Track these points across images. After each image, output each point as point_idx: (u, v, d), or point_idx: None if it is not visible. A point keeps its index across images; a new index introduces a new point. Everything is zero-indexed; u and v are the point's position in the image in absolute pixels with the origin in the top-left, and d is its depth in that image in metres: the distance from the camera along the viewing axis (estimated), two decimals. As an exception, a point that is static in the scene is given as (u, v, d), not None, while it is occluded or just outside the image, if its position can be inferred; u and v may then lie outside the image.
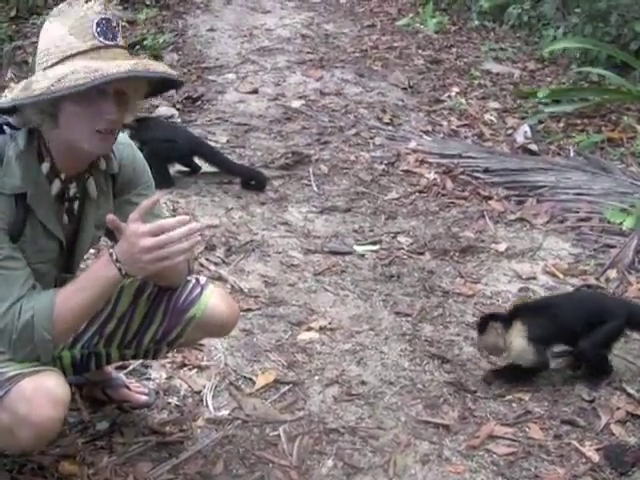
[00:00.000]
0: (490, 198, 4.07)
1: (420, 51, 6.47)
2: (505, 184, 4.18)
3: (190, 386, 2.56)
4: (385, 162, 4.45)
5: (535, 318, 2.62)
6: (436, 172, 4.31)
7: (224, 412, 2.45)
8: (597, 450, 2.34)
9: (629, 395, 2.59)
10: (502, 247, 3.57)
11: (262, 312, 3.00)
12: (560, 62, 6.22)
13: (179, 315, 2.11)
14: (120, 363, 2.49)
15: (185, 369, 2.64)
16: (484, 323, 2.65)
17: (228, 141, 4.65)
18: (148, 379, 2.58)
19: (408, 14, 7.47)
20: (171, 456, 2.25)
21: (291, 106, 5.22)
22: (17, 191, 1.80)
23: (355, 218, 3.83)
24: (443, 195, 4.10)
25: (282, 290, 3.16)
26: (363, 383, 2.62)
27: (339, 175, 4.28)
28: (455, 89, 5.65)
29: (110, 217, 1.81)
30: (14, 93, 1.72)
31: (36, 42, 1.82)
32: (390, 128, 4.92)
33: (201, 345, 2.70)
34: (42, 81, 1.69)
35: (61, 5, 1.78)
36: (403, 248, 3.55)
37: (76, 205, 1.94)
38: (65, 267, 1.99)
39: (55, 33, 1.74)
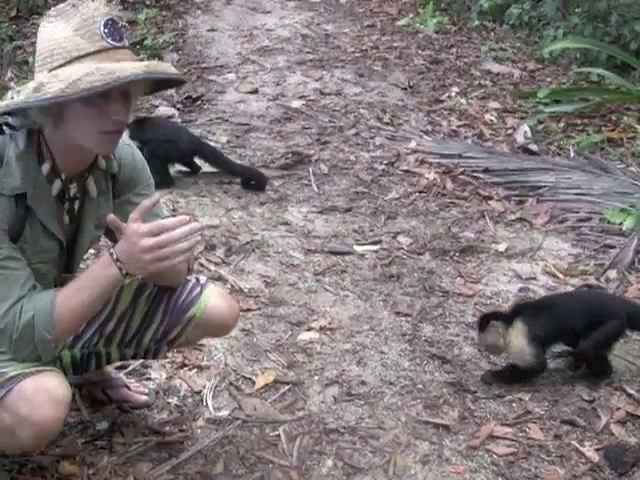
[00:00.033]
0: (490, 198, 4.07)
1: (420, 51, 6.47)
2: (505, 184, 4.18)
3: (190, 386, 2.56)
4: (385, 162, 4.45)
5: (536, 318, 2.62)
6: (436, 172, 4.31)
7: (224, 412, 2.45)
8: (597, 450, 2.35)
9: (629, 395, 2.59)
10: (502, 247, 3.57)
11: (262, 312, 3.00)
12: (560, 62, 6.22)
13: (179, 314, 2.12)
14: (120, 363, 2.49)
15: (185, 369, 2.64)
16: (485, 321, 2.65)
17: (228, 141, 4.65)
18: (148, 379, 2.58)
19: (408, 14, 7.47)
20: (171, 456, 2.25)
21: (291, 106, 5.22)
22: (17, 191, 1.80)
23: (355, 218, 3.83)
24: (443, 195, 4.10)
25: (282, 290, 3.16)
26: (363, 383, 2.62)
27: (339, 175, 4.29)
28: (455, 89, 5.65)
29: (110, 217, 1.81)
30: (25, 95, 1.69)
31: (36, 42, 1.80)
32: (390, 128, 4.92)
33: (201, 345, 2.70)
34: (54, 83, 1.66)
35: (61, 6, 1.77)
36: (403, 248, 3.55)
37: (76, 205, 1.94)
38: (65, 267, 1.99)
39: (59, 34, 1.72)
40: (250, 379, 2.62)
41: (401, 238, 3.64)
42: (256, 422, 2.41)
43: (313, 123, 4.96)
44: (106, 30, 1.72)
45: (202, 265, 3.25)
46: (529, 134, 4.86)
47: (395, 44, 6.60)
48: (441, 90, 5.66)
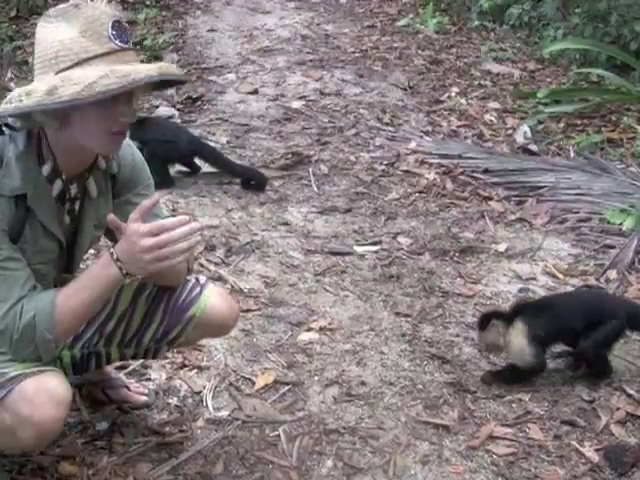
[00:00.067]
0: (490, 198, 4.07)
1: (420, 51, 6.47)
2: (505, 184, 4.18)
3: (190, 387, 2.56)
4: (385, 162, 4.45)
5: (536, 318, 2.61)
6: (436, 172, 4.31)
7: (224, 412, 2.45)
8: (597, 450, 2.35)
9: (629, 395, 2.59)
10: (502, 247, 3.57)
11: (262, 312, 3.00)
12: (560, 62, 6.22)
13: (179, 314, 2.12)
14: (120, 363, 2.49)
15: (185, 369, 2.64)
16: (485, 320, 2.65)
17: (228, 141, 4.66)
18: (148, 379, 2.58)
19: (408, 14, 7.47)
20: (171, 456, 2.25)
21: (291, 106, 5.22)
22: (17, 192, 1.80)
23: (355, 218, 3.83)
24: (443, 195, 4.10)
25: (282, 290, 3.16)
26: (363, 383, 2.62)
27: (339, 175, 4.29)
28: (455, 89, 5.65)
29: (111, 217, 1.81)
30: (37, 98, 1.66)
31: (35, 43, 1.77)
32: (390, 128, 4.92)
33: (201, 346, 2.70)
34: (68, 86, 1.64)
35: (62, 6, 1.75)
36: (403, 248, 3.55)
37: (77, 205, 1.94)
38: (65, 267, 1.99)
39: (63, 35, 1.70)
40: (250, 379, 2.62)
41: (401, 238, 3.64)
42: (256, 422, 2.41)
43: (313, 123, 4.96)
44: (114, 32, 1.71)
45: (202, 265, 3.25)
46: (529, 134, 4.86)
47: (395, 44, 6.61)
48: (441, 90, 5.67)
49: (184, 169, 4.21)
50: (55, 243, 1.90)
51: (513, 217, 3.88)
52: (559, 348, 2.75)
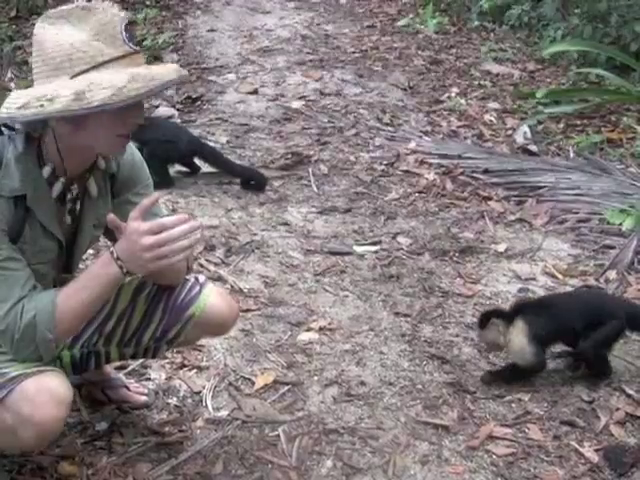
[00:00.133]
0: (490, 199, 4.07)
1: (420, 52, 6.47)
2: (505, 185, 4.18)
3: (189, 386, 2.56)
4: (385, 162, 4.45)
5: (537, 317, 2.62)
6: (436, 173, 4.31)
7: (223, 412, 2.45)
8: (596, 451, 2.34)
9: (628, 396, 2.59)
10: (501, 248, 3.57)
11: (262, 312, 3.00)
12: (560, 63, 6.22)
13: (178, 313, 2.12)
14: (119, 363, 2.49)
15: (184, 369, 2.64)
16: (485, 319, 2.65)
17: (228, 141, 4.66)
18: (147, 379, 2.58)
19: (408, 14, 7.47)
20: (170, 456, 2.25)
21: (291, 106, 5.22)
22: (16, 193, 1.80)
23: (355, 218, 3.83)
24: (443, 196, 4.10)
25: (282, 290, 3.16)
26: (362, 384, 2.62)
27: (339, 175, 4.29)
28: (455, 90, 5.65)
29: (110, 216, 1.82)
30: (64, 103, 1.63)
31: (37, 45, 1.73)
32: (390, 128, 4.92)
33: (200, 346, 2.70)
34: (97, 91, 1.63)
35: (65, 8, 1.72)
36: (403, 248, 3.55)
37: (77, 205, 1.94)
38: (64, 267, 1.99)
39: (74, 38, 1.67)
40: (249, 379, 2.62)
41: (401, 238, 3.64)
42: (255, 422, 2.41)
43: (313, 123, 4.96)
44: (127, 34, 1.71)
45: (202, 265, 3.25)
46: (529, 135, 4.86)
47: (395, 44, 6.61)
48: (441, 90, 5.67)
49: (184, 169, 4.21)
50: (54, 243, 1.91)
51: (513, 217, 3.88)
52: (559, 348, 2.75)
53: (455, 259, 3.47)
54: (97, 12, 1.71)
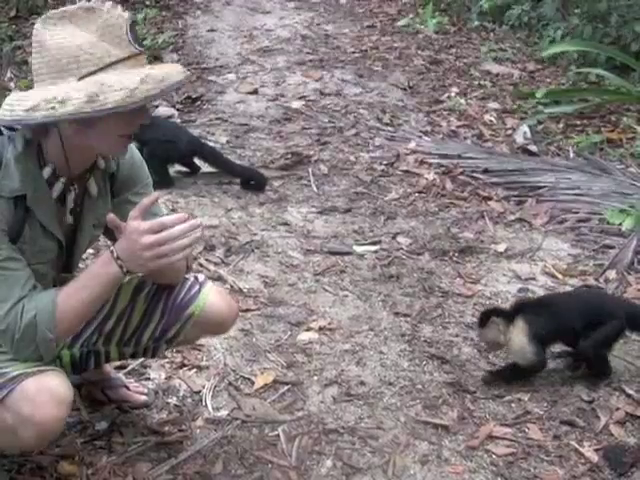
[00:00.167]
0: (490, 199, 4.07)
1: (420, 52, 6.47)
2: (505, 185, 4.18)
3: (189, 386, 2.56)
4: (385, 162, 4.45)
5: (537, 316, 2.62)
6: (436, 172, 4.31)
7: (223, 412, 2.45)
8: (596, 450, 2.35)
9: (628, 396, 2.59)
10: (501, 247, 3.57)
11: (261, 312, 3.00)
12: (559, 63, 6.22)
13: (178, 312, 2.12)
14: (119, 363, 2.50)
15: (184, 369, 2.64)
16: (485, 317, 2.65)
17: (228, 141, 4.66)
18: (147, 379, 2.58)
19: (408, 14, 7.47)
20: (170, 456, 2.25)
21: (291, 106, 5.22)
22: (16, 193, 1.79)
23: (355, 218, 3.83)
24: (442, 195, 4.10)
25: (281, 290, 3.16)
26: (362, 383, 2.62)
27: (339, 175, 4.29)
28: (455, 89, 5.65)
29: (110, 216, 1.82)
30: (76, 106, 1.62)
31: (39, 46, 1.71)
32: (390, 128, 4.92)
33: (200, 345, 2.70)
34: (110, 92, 1.62)
35: (68, 9, 1.71)
36: (402, 248, 3.55)
37: (77, 205, 1.94)
38: (64, 267, 1.99)
39: (79, 40, 1.67)
40: (249, 379, 2.62)
41: (400, 238, 3.64)
42: (255, 422, 2.41)
43: (313, 123, 4.96)
44: (132, 35, 1.71)
45: (201, 265, 3.25)
46: (528, 135, 4.86)
47: (395, 44, 6.61)
48: (441, 90, 5.67)
49: (184, 169, 4.21)
50: (54, 243, 1.91)
51: (513, 217, 3.88)
52: (559, 348, 2.75)
53: (455, 259, 3.47)
54: (102, 13, 1.70)
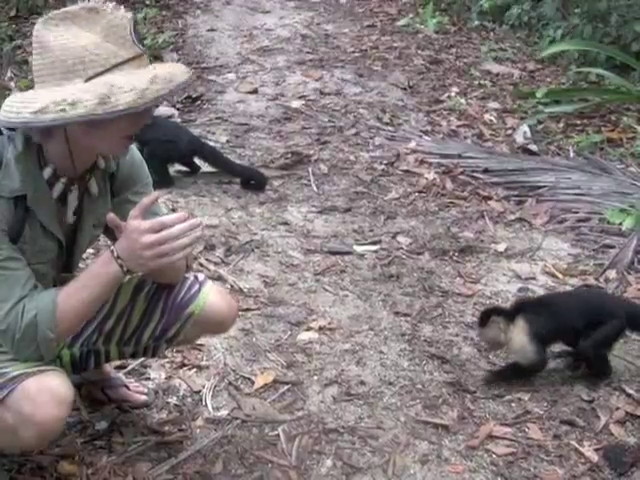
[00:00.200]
0: (490, 198, 4.07)
1: (420, 51, 6.47)
2: (505, 184, 4.18)
3: (189, 386, 2.56)
4: (385, 162, 4.45)
5: (537, 316, 2.62)
6: (436, 172, 4.31)
7: (223, 412, 2.45)
8: (596, 450, 2.35)
9: (628, 395, 2.59)
10: (501, 247, 3.57)
11: (261, 312, 3.00)
12: (560, 62, 6.22)
13: (178, 312, 2.12)
14: (119, 363, 2.50)
15: (184, 369, 2.64)
16: (486, 316, 2.65)
17: (228, 141, 4.66)
18: (147, 379, 2.58)
19: (408, 14, 7.47)
20: (170, 456, 2.25)
21: (291, 106, 5.22)
22: (16, 194, 1.79)
23: (355, 218, 3.83)
24: (443, 195, 4.10)
25: (281, 290, 3.16)
26: (362, 383, 2.62)
27: (339, 175, 4.29)
28: (455, 89, 5.65)
29: (110, 216, 1.82)
30: (87, 108, 1.61)
31: (41, 47, 1.69)
32: (390, 128, 4.92)
33: (200, 345, 2.70)
34: (121, 94, 1.62)
35: (70, 10, 1.70)
36: (402, 248, 3.55)
37: (77, 205, 1.94)
38: (64, 267, 1.99)
39: (85, 40, 1.66)
40: (249, 379, 2.62)
41: (400, 238, 3.64)
42: (255, 422, 2.41)
43: (313, 123, 4.96)
44: (136, 36, 1.70)
45: (201, 265, 3.25)
46: (529, 134, 4.86)
47: (395, 44, 6.60)
48: (441, 90, 5.66)
49: (184, 169, 4.21)
50: (54, 243, 1.91)
51: (513, 217, 3.88)
52: (559, 348, 2.75)
53: (455, 259, 3.47)
54: (105, 14, 1.69)
